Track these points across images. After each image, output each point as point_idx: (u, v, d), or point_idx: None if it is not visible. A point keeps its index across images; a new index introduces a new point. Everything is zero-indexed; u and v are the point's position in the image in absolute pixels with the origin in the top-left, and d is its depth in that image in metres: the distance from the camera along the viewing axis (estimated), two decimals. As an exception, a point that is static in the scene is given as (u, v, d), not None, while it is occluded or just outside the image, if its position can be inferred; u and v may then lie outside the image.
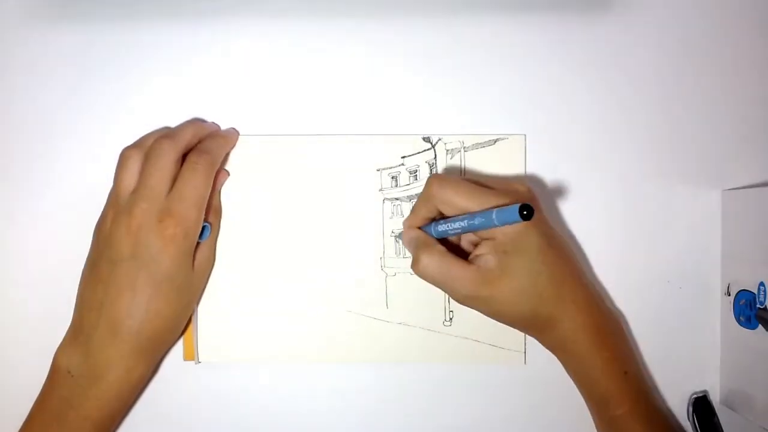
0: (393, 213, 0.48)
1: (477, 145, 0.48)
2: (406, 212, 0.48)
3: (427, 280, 0.42)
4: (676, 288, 0.48)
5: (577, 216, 0.48)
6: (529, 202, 0.38)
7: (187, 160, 0.44)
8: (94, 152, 0.48)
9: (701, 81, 0.48)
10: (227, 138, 0.47)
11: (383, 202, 0.48)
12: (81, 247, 0.48)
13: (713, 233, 0.48)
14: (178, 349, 0.48)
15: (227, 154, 0.48)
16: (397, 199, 0.48)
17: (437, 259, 0.41)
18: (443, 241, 0.44)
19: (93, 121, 0.48)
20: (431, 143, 0.48)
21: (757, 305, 0.44)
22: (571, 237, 0.48)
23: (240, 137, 0.48)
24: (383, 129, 0.48)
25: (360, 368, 0.48)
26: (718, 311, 0.48)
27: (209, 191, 0.44)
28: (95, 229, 0.45)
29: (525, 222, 0.38)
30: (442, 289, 0.42)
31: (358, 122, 0.48)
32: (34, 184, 0.48)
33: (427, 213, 0.44)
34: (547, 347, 0.44)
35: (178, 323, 0.46)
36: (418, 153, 0.48)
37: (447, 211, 0.42)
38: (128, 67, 0.48)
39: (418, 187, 0.48)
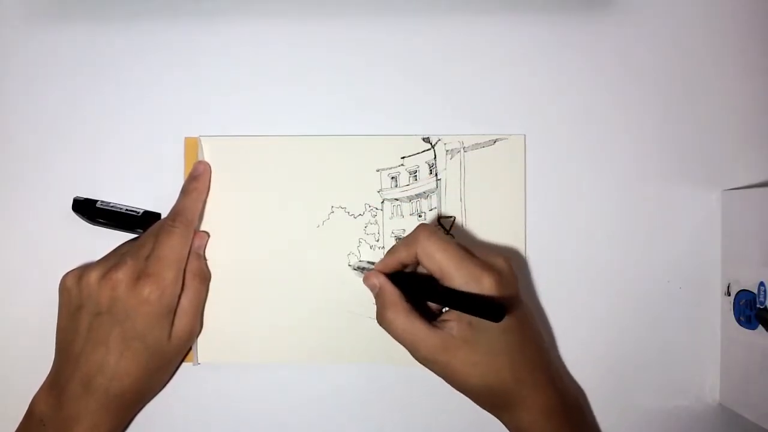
0: (393, 213, 0.48)
1: (477, 146, 0.48)
2: (406, 212, 0.48)
3: (391, 335, 0.42)
4: (676, 288, 0.48)
5: (577, 216, 0.48)
6: (508, 279, 0.41)
7: (164, 222, 0.45)
8: (94, 152, 0.48)
9: (701, 81, 0.48)
10: (199, 190, 0.46)
11: (383, 202, 0.48)
12: (80, 247, 0.48)
13: (713, 233, 0.48)
14: (178, 349, 0.48)
15: (224, 156, 0.48)
16: (396, 199, 0.48)
17: (402, 318, 0.42)
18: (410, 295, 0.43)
19: (93, 121, 0.48)
20: (431, 143, 0.48)
21: (757, 305, 0.44)
22: (572, 237, 0.48)
23: (240, 138, 0.48)
24: (383, 129, 0.48)
25: (360, 368, 0.48)
26: (718, 311, 0.48)
27: (186, 252, 0.44)
28: (78, 277, 0.44)
29: (491, 295, 0.40)
30: (403, 345, 0.42)
31: (358, 122, 0.48)
32: (33, 183, 0.48)
33: (405, 258, 0.43)
34: (510, 429, 0.44)
35: (149, 386, 0.45)
36: (418, 153, 0.48)
37: (425, 263, 0.42)
38: (128, 67, 0.48)
39: (418, 188, 0.48)
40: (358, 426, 0.48)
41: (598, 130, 0.48)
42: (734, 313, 0.46)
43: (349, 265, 0.48)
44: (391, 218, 0.48)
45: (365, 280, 0.44)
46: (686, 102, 0.48)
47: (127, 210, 0.47)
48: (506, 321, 0.40)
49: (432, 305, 0.45)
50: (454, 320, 0.41)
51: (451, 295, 0.41)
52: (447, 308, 0.43)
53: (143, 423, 0.48)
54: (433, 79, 0.48)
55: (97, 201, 0.47)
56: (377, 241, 0.48)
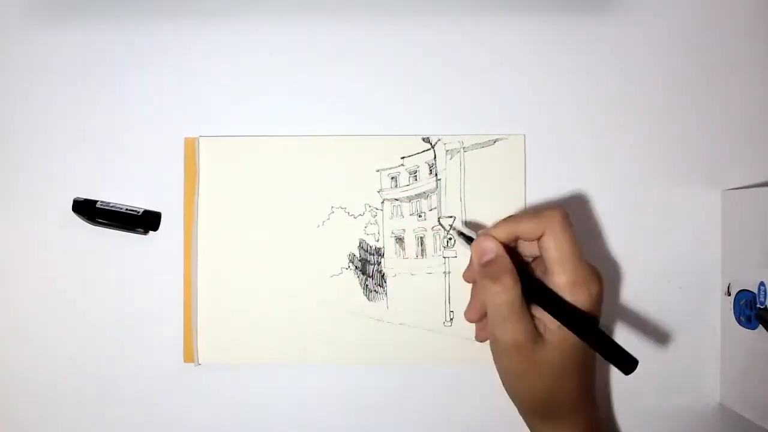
0: (393, 213, 0.48)
1: (476, 146, 0.48)
2: (406, 213, 0.48)
3: (491, 304, 0.40)
4: (676, 288, 0.48)
5: (577, 216, 0.48)
6: (602, 294, 0.40)
7: None
8: (94, 152, 0.48)
9: (701, 81, 0.48)
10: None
11: (383, 202, 0.48)
12: (80, 247, 0.48)
13: (713, 233, 0.48)
14: (179, 351, 0.48)
15: (225, 156, 0.48)
16: (396, 199, 0.48)
17: (514, 293, 0.39)
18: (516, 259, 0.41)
19: (93, 121, 0.48)
20: (431, 143, 0.48)
21: (757, 305, 0.44)
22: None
23: (240, 138, 0.48)
24: (383, 129, 0.48)
25: (360, 369, 0.48)
26: (718, 311, 0.48)
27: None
28: None
29: (590, 305, 0.39)
30: (492, 321, 0.40)
31: (358, 122, 0.48)
32: (33, 183, 0.48)
33: (526, 232, 0.40)
34: None
35: None
36: (418, 153, 0.48)
37: (545, 245, 0.40)
38: (128, 68, 0.48)
39: (418, 188, 0.48)
40: (359, 426, 0.48)
41: (597, 130, 0.48)
42: (734, 313, 0.46)
43: (451, 227, 0.46)
44: (391, 218, 0.48)
45: (476, 243, 0.41)
46: (686, 102, 0.48)
47: (127, 210, 0.47)
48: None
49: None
50: (546, 317, 0.40)
51: (574, 316, 0.39)
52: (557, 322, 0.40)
53: (143, 423, 0.48)
54: (433, 79, 0.48)
55: (97, 201, 0.47)
56: (377, 241, 0.48)
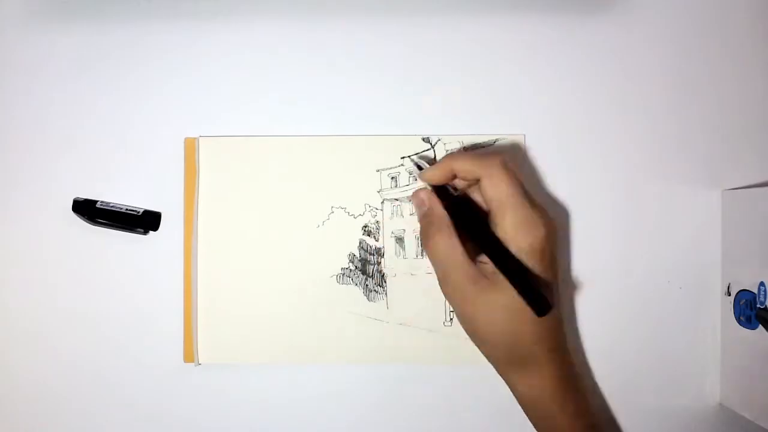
0: (393, 213, 0.48)
1: (476, 145, 0.48)
2: (406, 213, 0.48)
3: (429, 255, 0.42)
4: (676, 288, 0.48)
5: (577, 216, 0.48)
6: (554, 237, 0.41)
7: None
8: (94, 152, 0.48)
9: (701, 81, 0.48)
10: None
11: (383, 202, 0.48)
12: (80, 247, 0.48)
13: (713, 233, 0.48)
14: (178, 351, 0.48)
15: (225, 156, 0.48)
16: (396, 199, 0.48)
17: (446, 240, 0.41)
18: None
19: (93, 120, 0.48)
20: (431, 144, 0.48)
21: (757, 305, 0.44)
22: (571, 237, 0.48)
23: (240, 138, 0.48)
24: (383, 129, 0.48)
25: (360, 369, 0.48)
26: (718, 311, 0.48)
27: None
28: None
29: (538, 247, 0.40)
30: (437, 270, 0.42)
31: (358, 122, 0.48)
32: (33, 183, 0.48)
33: (465, 171, 0.42)
34: (517, 393, 0.43)
35: None
36: (418, 153, 0.48)
37: (486, 189, 0.41)
38: (128, 68, 0.48)
39: (418, 188, 0.48)
40: (359, 426, 0.48)
41: (597, 130, 0.48)
42: (734, 313, 0.46)
43: (409, 157, 0.47)
44: (391, 218, 0.48)
45: (414, 195, 0.44)
46: (686, 102, 0.48)
47: (127, 210, 0.47)
48: (541, 275, 0.41)
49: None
50: (491, 263, 0.41)
51: (503, 256, 0.41)
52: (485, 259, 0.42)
53: (143, 423, 0.48)
54: (433, 79, 0.48)
55: (97, 201, 0.47)
56: (377, 241, 0.48)
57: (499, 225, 0.41)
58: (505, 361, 0.43)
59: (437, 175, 0.43)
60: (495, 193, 0.41)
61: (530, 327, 0.41)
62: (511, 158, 0.42)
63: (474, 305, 0.41)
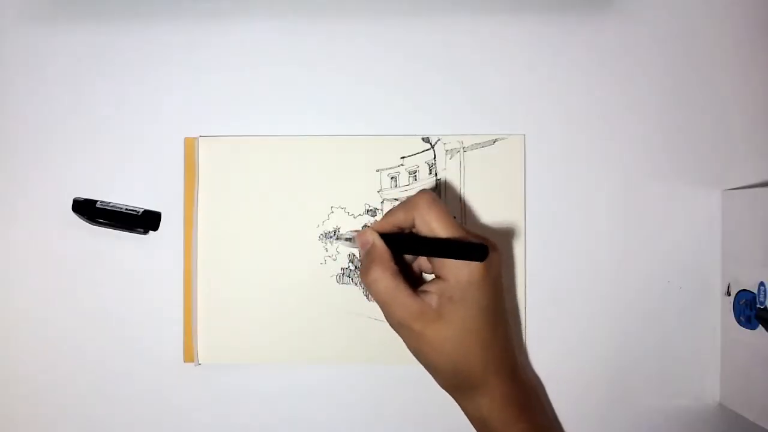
0: (393, 213, 0.48)
1: (476, 145, 0.48)
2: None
3: (371, 293, 0.42)
4: (676, 288, 0.48)
5: (577, 216, 0.48)
6: (495, 262, 0.41)
7: None
8: (94, 152, 0.48)
9: (701, 81, 0.48)
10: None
11: (383, 202, 0.48)
12: (80, 247, 0.48)
13: (713, 233, 0.48)
14: (178, 351, 0.48)
15: (225, 156, 0.48)
16: (396, 199, 0.48)
17: (388, 277, 0.41)
18: (397, 257, 0.43)
19: (93, 120, 0.48)
20: (431, 143, 0.48)
21: (757, 305, 0.44)
22: (571, 237, 0.48)
23: (240, 138, 0.48)
24: (383, 129, 0.48)
25: (360, 368, 0.48)
26: (718, 311, 0.48)
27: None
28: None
29: (478, 275, 0.40)
30: (380, 307, 0.42)
31: (358, 122, 0.48)
32: (33, 183, 0.48)
33: (402, 222, 0.43)
34: (468, 415, 0.44)
35: None
36: (418, 153, 0.48)
37: (421, 230, 0.42)
38: (128, 67, 0.48)
39: (418, 188, 0.48)
40: (358, 426, 0.48)
41: (597, 130, 0.48)
42: (734, 313, 0.46)
43: (336, 238, 0.47)
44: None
45: (359, 237, 0.43)
46: (686, 102, 0.48)
47: (127, 210, 0.47)
48: (485, 300, 0.41)
49: (415, 269, 0.45)
50: (435, 293, 0.41)
51: (436, 243, 0.41)
52: (431, 275, 0.43)
53: (143, 423, 0.48)
54: (433, 79, 0.48)
55: (97, 201, 0.47)
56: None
57: (440, 263, 0.41)
58: (454, 386, 0.44)
59: (382, 228, 0.43)
60: (427, 230, 0.41)
61: (477, 354, 0.42)
62: (432, 192, 0.43)
63: (420, 340, 0.42)
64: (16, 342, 0.48)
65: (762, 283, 0.43)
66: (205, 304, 0.48)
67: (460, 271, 0.41)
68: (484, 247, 0.40)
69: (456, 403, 0.44)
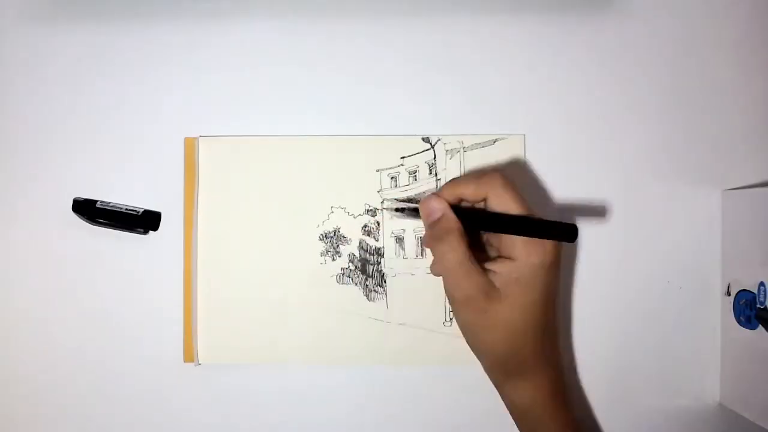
0: (393, 214, 0.48)
1: (476, 145, 0.48)
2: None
3: (438, 265, 0.41)
4: (676, 288, 0.48)
5: (576, 216, 0.48)
6: (559, 250, 0.41)
7: None
8: (94, 152, 0.48)
9: (701, 81, 0.48)
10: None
11: (383, 202, 0.48)
12: (80, 247, 0.48)
13: (713, 233, 0.48)
14: (178, 351, 0.48)
15: (225, 156, 0.48)
16: (396, 199, 0.48)
17: (463, 251, 0.40)
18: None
19: (93, 120, 0.48)
20: (431, 143, 0.48)
21: (757, 305, 0.44)
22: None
23: (240, 138, 0.48)
24: (383, 129, 0.48)
25: (360, 369, 0.48)
26: (718, 311, 0.48)
27: None
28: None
29: (551, 258, 0.40)
30: (445, 279, 0.41)
31: (358, 122, 0.48)
32: (33, 183, 0.48)
33: (469, 194, 0.41)
34: (509, 402, 0.44)
35: None
36: (418, 153, 0.48)
37: (495, 206, 0.41)
38: (128, 67, 0.48)
39: (418, 188, 0.48)
40: (359, 425, 0.48)
41: (597, 130, 0.48)
42: (734, 313, 0.46)
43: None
44: (390, 218, 0.48)
45: (423, 204, 0.41)
46: (687, 102, 0.48)
47: (127, 210, 0.47)
48: (549, 286, 0.41)
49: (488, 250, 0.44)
50: (503, 273, 0.41)
51: (523, 221, 0.40)
52: (499, 253, 0.42)
53: (143, 423, 0.48)
54: (433, 79, 0.48)
55: (97, 201, 0.47)
56: (377, 241, 0.48)
57: (507, 241, 0.41)
58: (504, 371, 0.43)
59: (446, 198, 0.42)
60: (504, 208, 0.41)
61: (533, 339, 0.42)
62: (509, 175, 0.42)
63: (480, 318, 0.41)
64: (16, 342, 0.48)
65: (762, 283, 0.43)
66: (205, 304, 0.48)
67: (532, 253, 0.40)
68: (575, 228, 0.39)
69: (496, 391, 0.44)
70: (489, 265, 0.41)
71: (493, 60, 0.48)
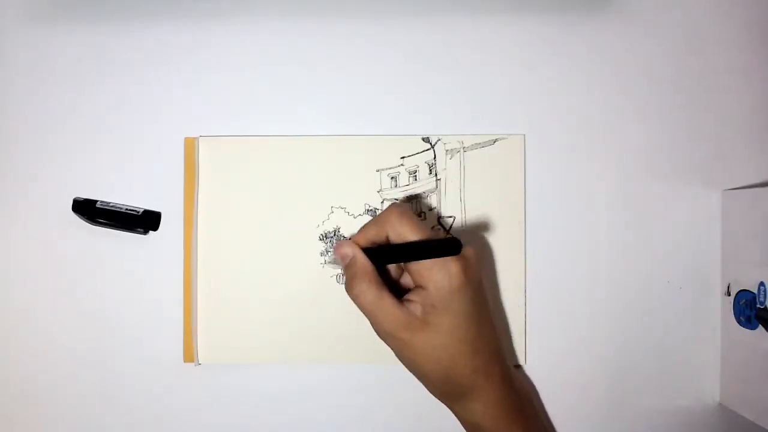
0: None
1: (476, 145, 0.48)
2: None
3: (357, 306, 0.42)
4: (676, 288, 0.48)
5: (577, 216, 0.48)
6: (473, 267, 0.41)
7: None
8: (94, 152, 0.48)
9: (701, 81, 0.48)
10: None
11: (383, 202, 0.48)
12: (80, 247, 0.48)
13: (713, 233, 0.48)
14: (178, 351, 0.48)
15: (225, 156, 0.48)
16: (396, 199, 0.48)
17: (373, 290, 0.41)
18: (380, 271, 0.43)
19: (93, 120, 0.48)
20: (431, 143, 0.48)
21: (757, 305, 0.44)
22: (571, 237, 0.48)
23: (240, 138, 0.48)
24: (383, 129, 0.48)
25: (360, 368, 0.48)
26: (718, 311, 0.48)
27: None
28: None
29: (458, 282, 0.40)
30: (368, 319, 0.42)
31: (358, 122, 0.48)
32: (33, 183, 0.48)
33: (375, 236, 0.43)
34: (462, 421, 0.44)
35: None
36: (418, 153, 0.48)
37: (394, 240, 0.42)
38: (128, 67, 0.48)
39: (418, 188, 0.48)
40: (358, 426, 0.48)
41: (597, 130, 0.48)
42: (734, 313, 0.46)
43: (326, 262, 0.48)
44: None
45: (337, 249, 0.43)
46: (686, 102, 0.48)
47: (127, 210, 0.47)
48: (467, 305, 0.41)
49: (403, 283, 0.45)
50: (419, 302, 0.41)
51: (411, 247, 0.41)
52: (413, 286, 0.42)
53: (143, 423, 0.48)
54: (433, 79, 0.48)
55: (97, 201, 0.47)
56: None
57: (415, 270, 0.41)
58: (445, 394, 0.44)
59: (358, 242, 0.43)
60: (401, 240, 0.41)
61: (466, 359, 0.42)
62: (402, 205, 0.43)
63: (408, 349, 0.42)
64: (16, 342, 0.48)
65: (762, 283, 0.43)
66: (205, 304, 0.48)
67: (439, 279, 0.40)
68: (456, 241, 0.40)
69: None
70: (409, 296, 0.42)
71: (493, 60, 0.48)
